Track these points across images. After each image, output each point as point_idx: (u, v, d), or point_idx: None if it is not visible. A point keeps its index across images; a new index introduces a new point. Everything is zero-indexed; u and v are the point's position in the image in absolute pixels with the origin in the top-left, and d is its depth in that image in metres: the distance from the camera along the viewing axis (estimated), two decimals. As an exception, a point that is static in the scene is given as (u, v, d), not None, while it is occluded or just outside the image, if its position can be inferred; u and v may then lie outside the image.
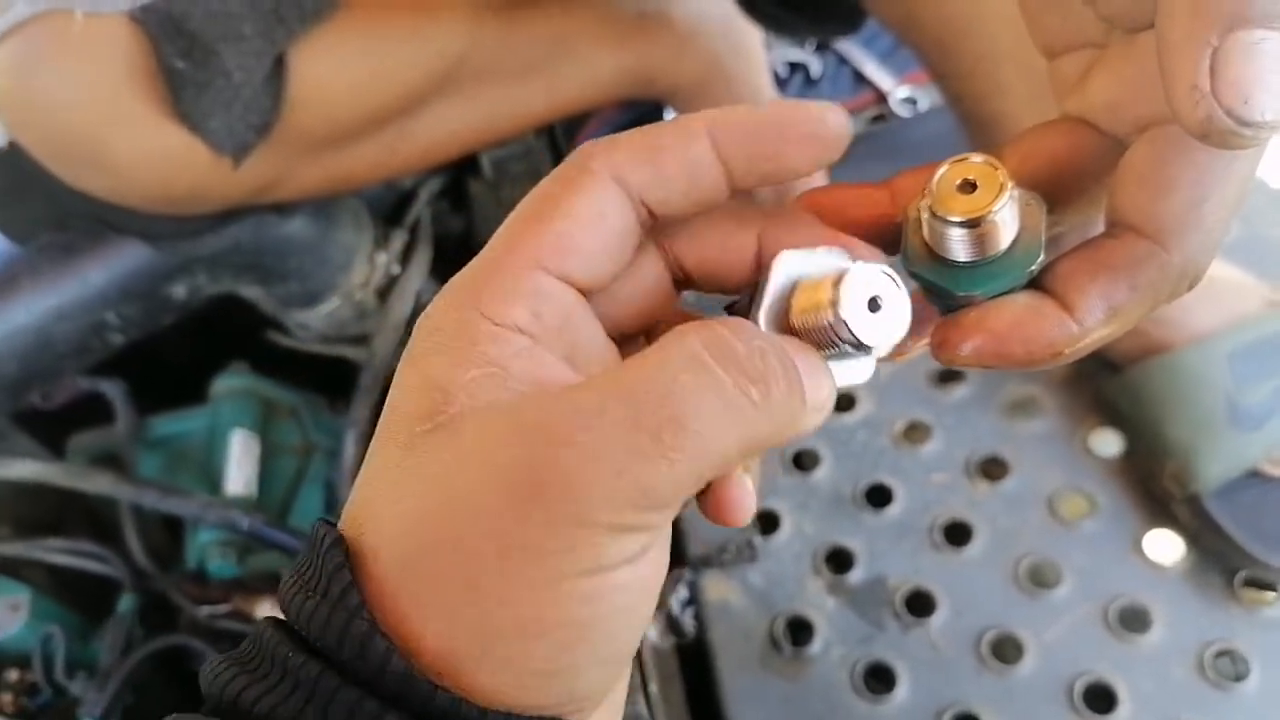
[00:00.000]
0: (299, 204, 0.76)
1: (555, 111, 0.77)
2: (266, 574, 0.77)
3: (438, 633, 0.22)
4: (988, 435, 0.73)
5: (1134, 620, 0.64)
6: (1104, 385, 0.72)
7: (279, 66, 0.62)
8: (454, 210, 0.99)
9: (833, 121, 0.26)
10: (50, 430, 0.87)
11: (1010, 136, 0.54)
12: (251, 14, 0.59)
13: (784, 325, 0.26)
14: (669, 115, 0.91)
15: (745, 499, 0.27)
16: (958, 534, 0.69)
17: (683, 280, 0.29)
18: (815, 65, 0.96)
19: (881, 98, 0.94)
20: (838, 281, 0.25)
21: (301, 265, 0.79)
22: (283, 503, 0.83)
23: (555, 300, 0.26)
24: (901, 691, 0.63)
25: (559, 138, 0.94)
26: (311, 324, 0.83)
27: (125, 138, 0.62)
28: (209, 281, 0.78)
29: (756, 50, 0.80)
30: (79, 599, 0.81)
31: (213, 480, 0.82)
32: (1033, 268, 0.26)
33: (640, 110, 0.91)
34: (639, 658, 0.63)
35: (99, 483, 0.76)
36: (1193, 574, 0.65)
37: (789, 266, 0.26)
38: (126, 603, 0.76)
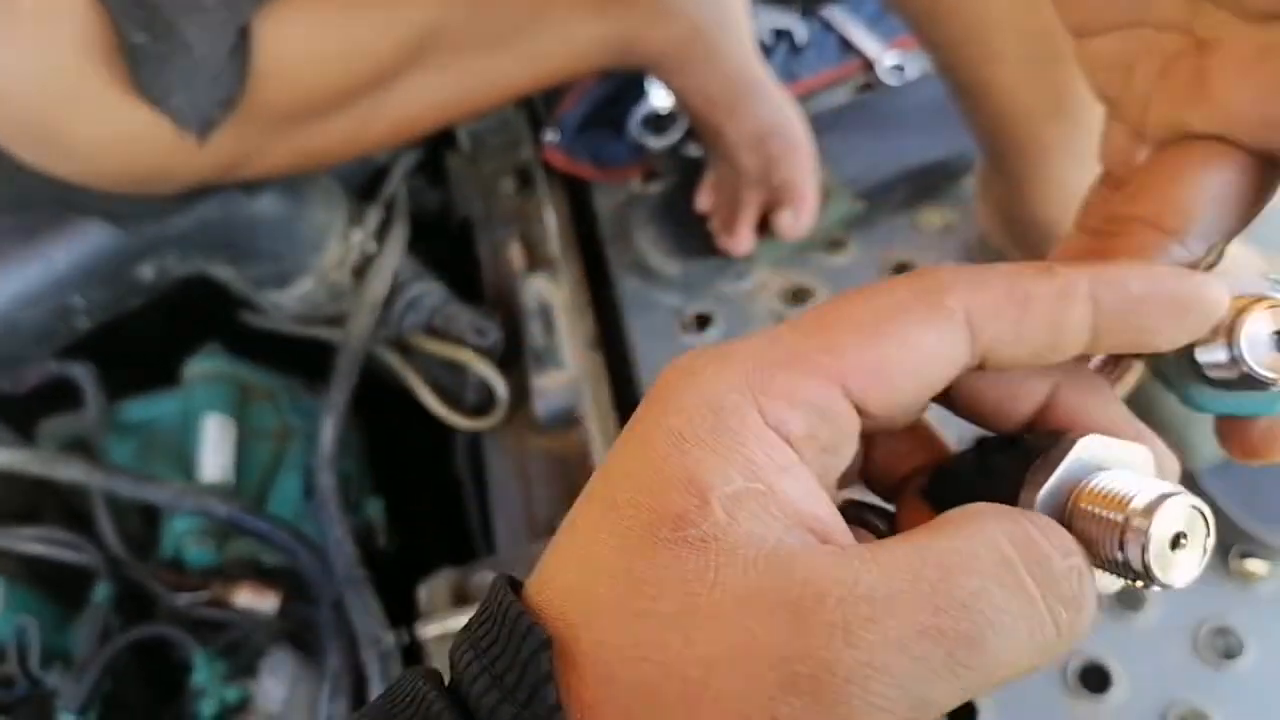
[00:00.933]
0: (269, 181, 0.73)
1: (533, 82, 0.75)
2: (245, 561, 0.76)
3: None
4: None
5: (1128, 598, 0.63)
6: (1098, 360, 0.71)
7: (243, 39, 0.59)
8: (431, 185, 0.97)
9: (1214, 299, 0.24)
10: (19, 416, 0.85)
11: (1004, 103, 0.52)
12: (212, -17, 0.57)
13: (1057, 510, 0.23)
14: (650, 84, 0.88)
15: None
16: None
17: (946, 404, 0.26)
18: (801, 32, 0.94)
19: (869, 65, 0.92)
20: (1152, 508, 0.22)
21: (273, 245, 0.77)
22: (260, 488, 0.81)
23: (837, 425, 0.23)
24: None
25: (539, 109, 0.92)
26: (286, 305, 0.81)
27: (84, 116, 0.60)
28: (178, 262, 0.76)
29: (740, 17, 0.78)
30: (54, 589, 0.79)
31: (187, 466, 0.80)
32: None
33: (621, 80, 0.88)
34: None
35: (71, 470, 0.75)
36: (1187, 551, 0.65)
37: (1090, 451, 0.24)
38: (102, 592, 0.75)
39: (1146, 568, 0.22)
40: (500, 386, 0.79)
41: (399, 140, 0.75)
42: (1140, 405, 0.67)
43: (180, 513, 0.75)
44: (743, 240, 0.78)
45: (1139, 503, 0.22)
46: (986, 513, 0.21)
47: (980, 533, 0.21)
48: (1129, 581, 0.23)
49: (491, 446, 0.79)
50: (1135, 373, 0.30)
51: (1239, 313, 0.24)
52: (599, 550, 0.22)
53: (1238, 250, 0.65)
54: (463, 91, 0.72)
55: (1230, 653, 0.61)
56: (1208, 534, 0.22)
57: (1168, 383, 0.27)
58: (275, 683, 0.71)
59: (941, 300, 0.23)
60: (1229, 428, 0.27)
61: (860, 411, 0.23)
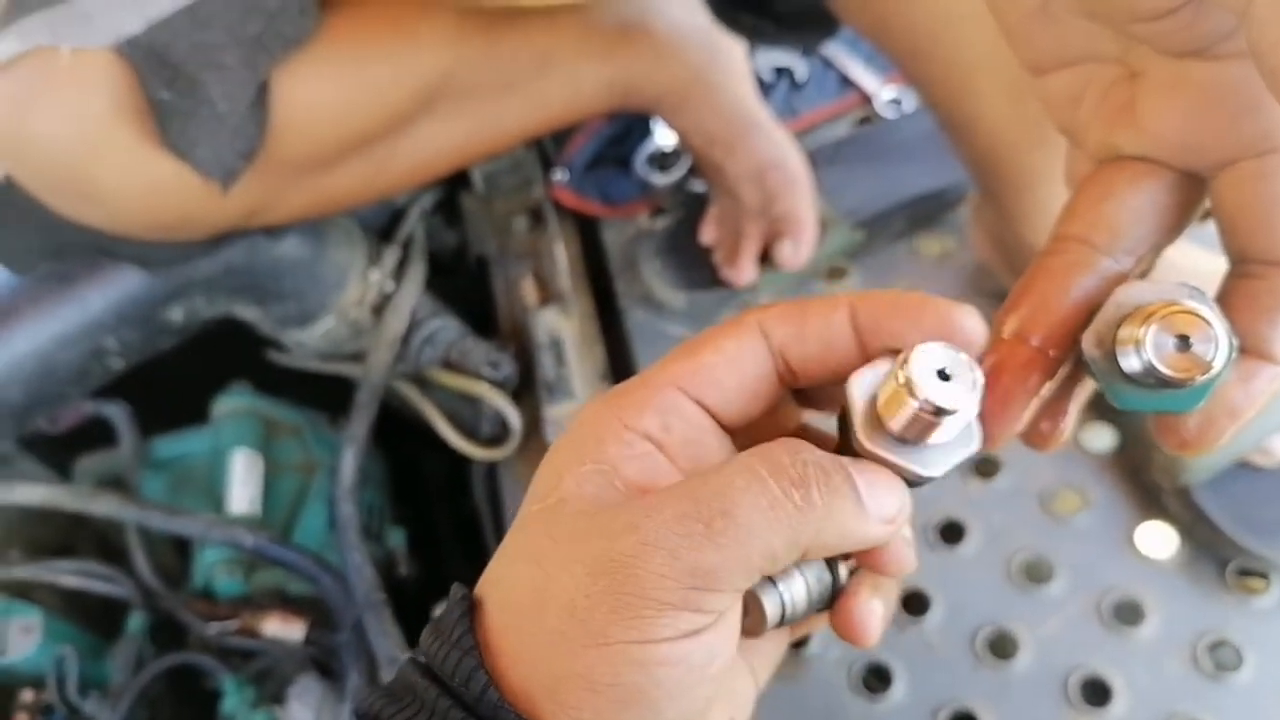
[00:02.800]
0: (291, 225, 0.77)
1: (542, 125, 0.78)
2: (272, 590, 0.78)
3: (523, 676, 0.27)
4: (979, 433, 0.74)
5: (1128, 613, 0.64)
6: (1094, 379, 0.72)
7: (263, 93, 0.63)
8: (447, 225, 1.00)
9: (968, 326, 0.29)
10: (56, 454, 0.88)
11: (989, 136, 0.55)
12: (233, 43, 0.60)
13: (885, 434, 0.28)
14: (655, 124, 0.91)
15: (869, 619, 0.31)
16: (952, 532, 0.70)
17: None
18: (801, 69, 0.97)
19: (867, 99, 0.95)
20: (904, 362, 0.27)
21: (296, 285, 0.80)
22: (286, 520, 0.84)
23: (686, 418, 0.30)
24: (899, 690, 0.64)
25: (548, 150, 0.95)
26: (308, 342, 0.84)
27: (115, 168, 0.63)
28: (206, 304, 0.79)
29: (738, 58, 0.81)
30: (90, 619, 0.82)
31: (217, 499, 0.83)
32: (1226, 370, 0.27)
33: (626, 120, 0.91)
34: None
35: (106, 505, 0.78)
36: (1185, 566, 0.66)
37: (863, 383, 0.29)
38: (136, 622, 0.78)
39: (931, 401, 0.26)
40: (514, 417, 0.81)
41: (414, 183, 0.78)
42: (1137, 422, 0.68)
43: (210, 544, 0.78)
44: (745, 272, 0.81)
45: (897, 370, 0.27)
46: (749, 450, 0.28)
47: (738, 458, 0.28)
48: (957, 428, 0.28)
49: (507, 476, 0.81)
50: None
51: (1146, 319, 0.26)
52: (508, 535, 0.30)
53: (1186, 252, 0.67)
54: (474, 135, 0.75)
55: (1229, 665, 0.62)
56: (961, 357, 0.27)
57: (1101, 385, 0.28)
58: (302, 708, 0.74)
59: (742, 319, 0.30)
60: (1162, 424, 0.29)
61: (704, 406, 0.30)
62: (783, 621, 0.30)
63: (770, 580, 0.30)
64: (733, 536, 0.26)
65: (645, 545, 0.26)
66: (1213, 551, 0.65)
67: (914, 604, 0.67)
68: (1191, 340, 0.25)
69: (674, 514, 0.26)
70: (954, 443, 0.28)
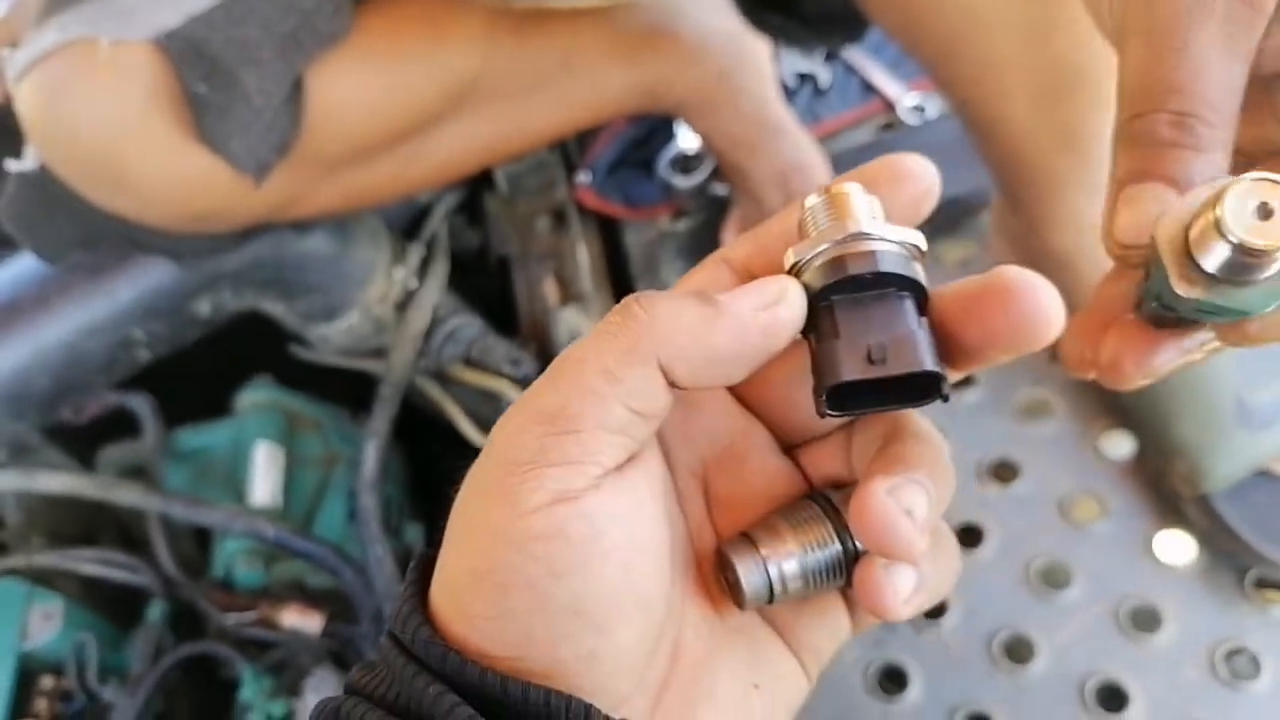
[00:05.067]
0: (318, 220, 0.77)
1: (566, 126, 0.79)
2: (291, 582, 0.79)
3: (443, 604, 0.26)
4: (998, 438, 0.74)
5: (1145, 620, 0.64)
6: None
7: (297, 88, 0.64)
8: (470, 224, 1.01)
9: (916, 169, 0.29)
10: (80, 443, 0.89)
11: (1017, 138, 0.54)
12: (270, 39, 0.61)
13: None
14: (679, 127, 0.92)
15: (884, 585, 0.26)
16: (969, 536, 0.70)
17: None
18: (824, 75, 0.97)
19: (890, 105, 0.95)
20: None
21: (321, 280, 0.81)
22: (307, 512, 0.85)
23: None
24: (914, 692, 0.64)
25: (572, 151, 0.96)
26: (332, 338, 0.85)
27: (150, 159, 0.64)
28: (232, 298, 0.80)
29: (763, 62, 0.81)
30: (110, 607, 0.83)
31: (238, 491, 0.84)
32: (1268, 310, 0.25)
33: (650, 123, 0.92)
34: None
35: (128, 494, 0.78)
36: (1204, 574, 0.66)
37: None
38: (156, 611, 0.78)
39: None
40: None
41: (440, 181, 0.79)
42: (1156, 430, 0.68)
43: (231, 535, 0.79)
44: (767, 275, 0.81)
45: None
46: None
47: None
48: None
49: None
50: None
51: (1219, 197, 0.24)
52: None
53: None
54: (500, 135, 0.76)
55: (1246, 674, 0.62)
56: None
57: (1162, 298, 0.27)
58: (319, 700, 0.74)
59: (705, 263, 0.30)
60: (1225, 327, 0.28)
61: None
62: (773, 595, 0.28)
63: (755, 549, 0.28)
64: (567, 372, 0.25)
65: (503, 419, 0.26)
66: (1231, 560, 0.65)
67: (931, 607, 0.67)
68: (1273, 207, 0.23)
69: (592, 337, 0.26)
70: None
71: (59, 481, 0.79)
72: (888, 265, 0.26)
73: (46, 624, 0.77)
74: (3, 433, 0.78)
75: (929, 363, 0.25)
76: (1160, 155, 0.26)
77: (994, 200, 0.79)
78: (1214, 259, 0.24)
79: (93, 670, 0.74)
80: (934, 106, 0.93)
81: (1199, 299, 0.25)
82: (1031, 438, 0.74)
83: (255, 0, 0.61)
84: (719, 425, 0.30)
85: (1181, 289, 0.25)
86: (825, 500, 0.29)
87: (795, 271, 0.27)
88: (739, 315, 0.25)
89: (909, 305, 0.26)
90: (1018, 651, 0.65)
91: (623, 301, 0.26)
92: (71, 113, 0.63)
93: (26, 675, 0.74)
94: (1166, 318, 0.28)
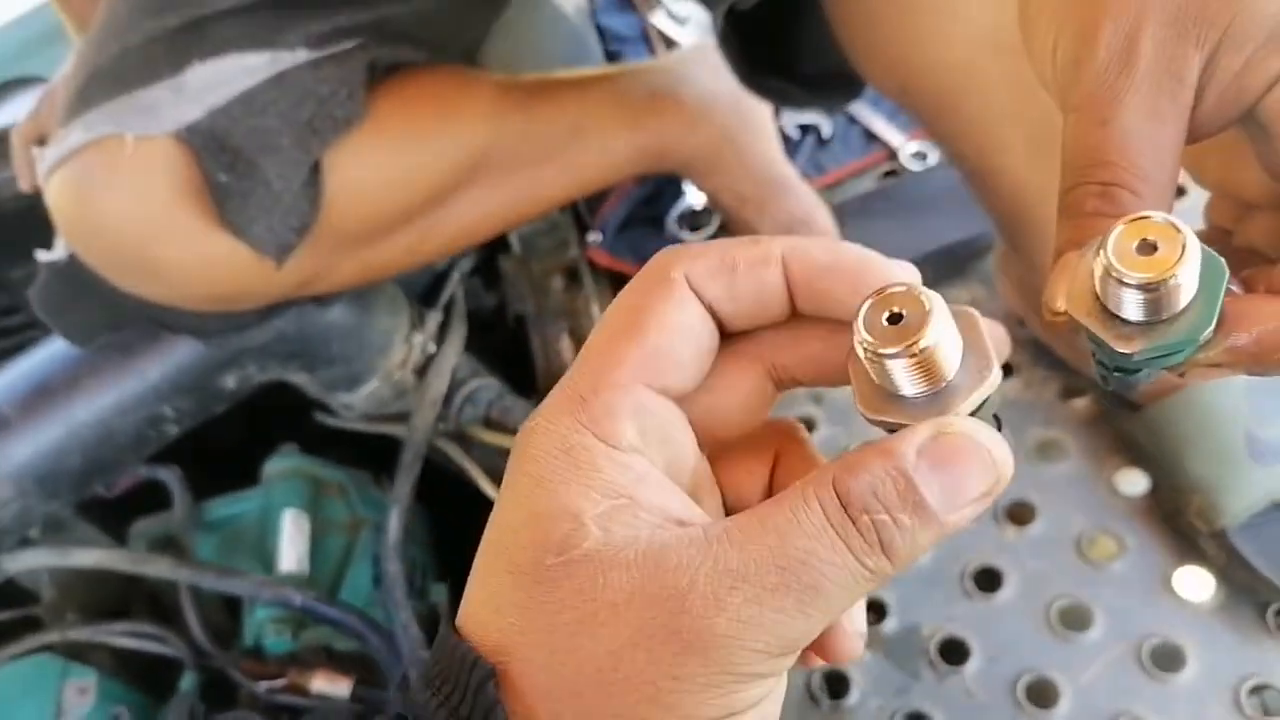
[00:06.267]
0: (339, 293, 0.80)
1: (576, 191, 0.81)
2: (319, 647, 0.80)
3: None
4: (1013, 480, 0.74)
5: (1168, 659, 0.65)
6: (1126, 425, 0.73)
7: (315, 172, 0.66)
8: (486, 287, 1.03)
9: (883, 273, 0.27)
10: (112, 517, 0.91)
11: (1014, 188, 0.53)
12: (288, 127, 0.64)
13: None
14: (686, 187, 0.94)
15: (854, 639, 0.28)
16: (988, 580, 0.70)
17: (788, 383, 0.30)
18: (826, 127, 0.99)
19: (892, 153, 0.97)
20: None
21: (343, 350, 0.83)
22: (334, 578, 0.86)
23: (658, 415, 0.27)
24: (941, 740, 0.64)
25: (583, 212, 0.98)
26: (355, 404, 0.87)
27: (176, 247, 0.67)
28: (258, 371, 0.82)
29: (764, 119, 0.83)
30: (143, 679, 0.84)
31: (266, 559, 0.85)
32: (1206, 333, 0.25)
33: (658, 182, 0.94)
34: None
35: (159, 566, 0.80)
36: (1224, 610, 0.66)
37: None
38: (188, 681, 0.80)
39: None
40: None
41: (455, 250, 0.81)
42: (1169, 466, 0.69)
43: (260, 603, 0.80)
44: (776, 326, 0.82)
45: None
46: (809, 482, 0.25)
47: (804, 506, 0.24)
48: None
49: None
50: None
51: (1102, 243, 0.25)
52: (500, 588, 0.26)
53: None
54: (512, 203, 0.78)
55: (1274, 710, 0.62)
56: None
57: (1117, 366, 0.27)
58: (349, 764, 0.75)
59: (667, 275, 0.27)
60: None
61: (666, 393, 0.27)
62: None
63: None
64: (821, 608, 0.24)
65: (742, 624, 0.24)
66: (1252, 594, 0.65)
67: (953, 653, 0.68)
68: (1153, 240, 0.24)
69: (762, 589, 0.24)
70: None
71: (91, 557, 0.81)
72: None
73: (81, 699, 0.78)
74: (37, 511, 0.80)
75: None
76: (1088, 224, 0.27)
77: (997, 244, 0.80)
78: (1130, 307, 0.25)
79: (128, 743, 0.76)
80: (935, 153, 0.95)
81: (1144, 349, 0.25)
82: (1046, 478, 0.74)
83: (273, 91, 0.64)
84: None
85: (1121, 346, 0.25)
86: None
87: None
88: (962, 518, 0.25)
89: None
90: (1042, 695, 0.65)
91: (877, 509, 0.24)
92: (100, 207, 0.65)
93: (64, 751, 0.75)
94: (1133, 382, 0.29)
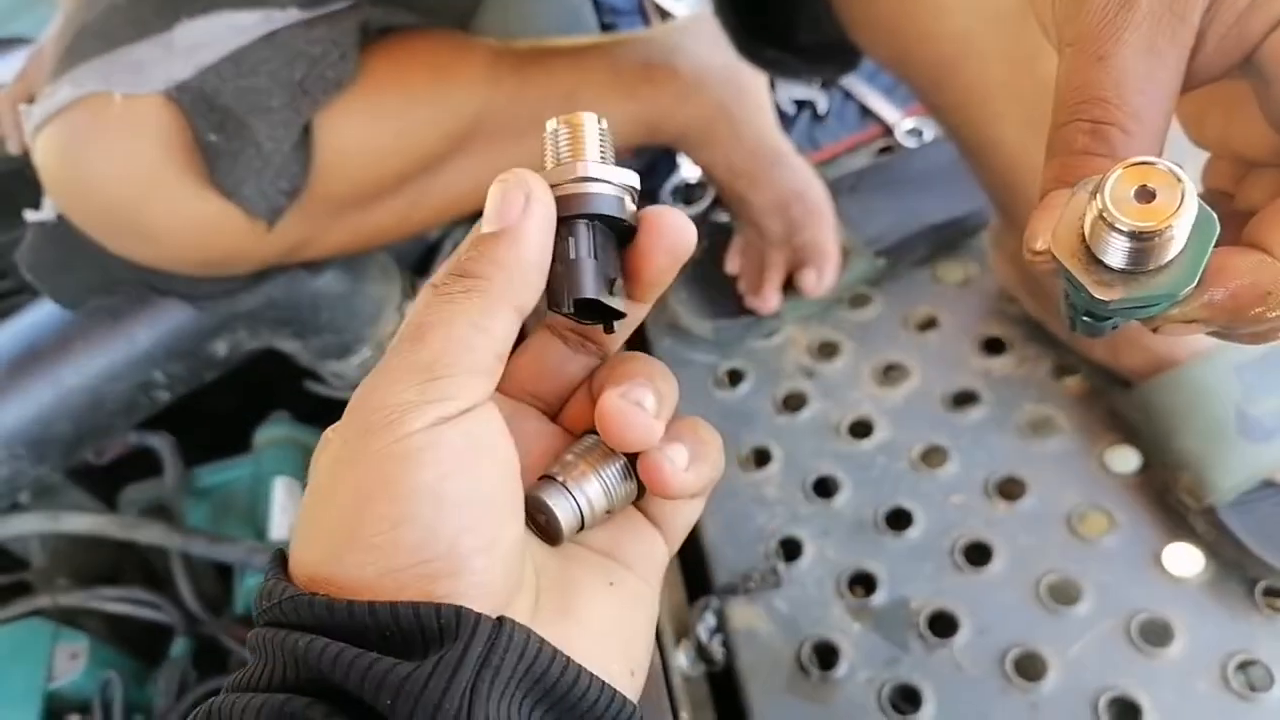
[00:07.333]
0: (329, 260, 0.79)
1: (570, 160, 0.80)
2: (310, 616, 0.80)
3: (307, 555, 0.27)
4: (1005, 456, 0.75)
5: (1156, 634, 0.65)
6: (1117, 402, 0.73)
7: (306, 134, 0.66)
8: (479, 258, 1.03)
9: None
10: (102, 484, 0.91)
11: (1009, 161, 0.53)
12: (278, 87, 0.63)
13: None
14: (681, 160, 0.94)
15: (663, 460, 0.30)
16: (978, 554, 0.70)
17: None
18: (822, 101, 0.99)
19: (888, 130, 0.97)
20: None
21: (334, 318, 0.82)
22: (324, 546, 0.86)
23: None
24: (928, 711, 0.64)
25: (577, 184, 0.98)
26: (346, 373, 0.87)
27: (165, 207, 0.66)
28: (248, 337, 0.82)
29: (760, 92, 0.83)
30: (135, 645, 0.84)
31: (258, 526, 0.85)
32: (1187, 290, 0.25)
33: (652, 155, 0.94)
34: (668, 685, 0.65)
35: (150, 533, 0.80)
36: (1213, 586, 0.66)
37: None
38: (180, 647, 0.80)
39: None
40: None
41: (448, 218, 0.81)
42: (1160, 443, 0.69)
43: (252, 570, 0.80)
44: (770, 299, 0.82)
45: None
46: None
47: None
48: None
49: (539, 502, 0.83)
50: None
51: (1100, 185, 0.24)
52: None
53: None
54: (503, 171, 0.78)
55: (1260, 685, 0.62)
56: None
57: (1089, 310, 0.27)
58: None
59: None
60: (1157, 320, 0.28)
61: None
62: (584, 520, 0.31)
63: (563, 487, 0.31)
64: (433, 331, 0.27)
65: (374, 376, 0.27)
66: (1240, 571, 0.65)
67: (942, 626, 0.68)
68: (1153, 188, 0.24)
69: (389, 349, 0.28)
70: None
71: (83, 522, 0.81)
72: (604, 208, 0.30)
73: (72, 663, 0.78)
74: (27, 476, 0.80)
75: (589, 290, 0.30)
76: (1076, 163, 0.27)
77: (991, 220, 0.80)
78: (1116, 254, 0.24)
79: (118, 707, 0.76)
80: (931, 130, 0.95)
81: (1120, 298, 0.25)
82: (1037, 454, 0.74)
83: (264, 50, 0.63)
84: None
85: (1100, 293, 0.25)
86: (594, 431, 0.32)
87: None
88: (526, 228, 0.29)
89: (592, 238, 0.30)
90: (1030, 668, 0.65)
91: (454, 268, 0.29)
92: (88, 165, 0.65)
93: (53, 714, 0.75)
94: (1101, 328, 0.28)
